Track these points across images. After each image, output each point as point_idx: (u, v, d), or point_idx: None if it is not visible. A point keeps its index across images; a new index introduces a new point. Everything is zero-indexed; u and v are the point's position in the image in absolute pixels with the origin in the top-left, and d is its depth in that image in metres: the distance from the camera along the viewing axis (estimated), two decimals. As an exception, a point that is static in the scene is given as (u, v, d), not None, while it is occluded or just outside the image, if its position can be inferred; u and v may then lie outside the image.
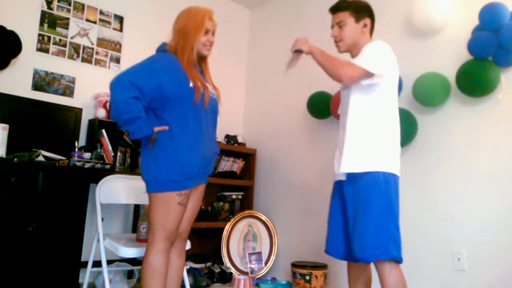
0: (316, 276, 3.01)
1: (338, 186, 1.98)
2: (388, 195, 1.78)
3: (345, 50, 2.01)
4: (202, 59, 2.03)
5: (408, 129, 2.70)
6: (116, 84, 1.76)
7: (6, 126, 2.53)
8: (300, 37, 1.99)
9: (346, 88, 2.01)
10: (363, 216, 1.76)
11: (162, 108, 1.85)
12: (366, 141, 1.85)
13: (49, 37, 3.06)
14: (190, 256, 3.40)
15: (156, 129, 1.81)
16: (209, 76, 2.06)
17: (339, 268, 3.05)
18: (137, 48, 3.49)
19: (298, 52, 1.97)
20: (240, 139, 4.00)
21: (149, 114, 1.84)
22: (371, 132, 1.86)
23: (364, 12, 1.98)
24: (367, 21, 1.98)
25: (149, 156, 1.86)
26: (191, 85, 1.85)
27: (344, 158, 1.87)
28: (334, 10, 2.01)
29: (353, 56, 2.00)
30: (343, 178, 1.92)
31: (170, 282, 1.95)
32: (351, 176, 1.88)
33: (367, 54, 1.84)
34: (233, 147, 3.82)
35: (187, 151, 1.82)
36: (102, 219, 2.28)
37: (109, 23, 3.39)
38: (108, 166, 2.80)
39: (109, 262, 2.66)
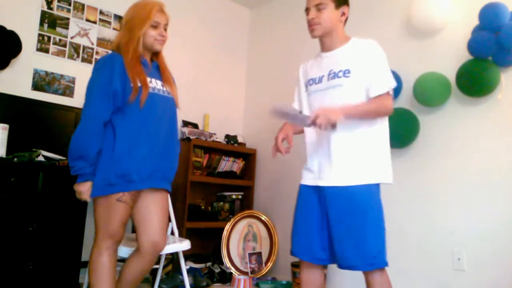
0: (316, 276, 3.00)
1: (316, 191, 1.87)
2: (381, 204, 1.77)
3: (319, 35, 1.85)
4: (156, 54, 1.97)
5: (411, 129, 2.70)
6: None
7: (6, 126, 2.52)
8: (321, 111, 1.68)
9: (316, 82, 1.88)
10: (361, 224, 1.71)
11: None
12: (366, 151, 1.76)
13: (49, 37, 3.06)
14: (190, 256, 3.40)
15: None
16: (167, 72, 1.97)
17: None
18: (137, 48, 3.48)
19: (333, 127, 1.67)
20: (240, 139, 4.00)
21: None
22: (370, 140, 1.77)
23: (345, 1, 1.85)
24: (346, 10, 1.85)
25: None
26: (131, 84, 1.79)
27: (342, 170, 1.76)
28: None
29: (323, 42, 1.88)
30: (326, 184, 1.80)
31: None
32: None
33: (385, 73, 1.76)
34: (233, 147, 3.82)
35: (121, 151, 1.78)
36: (102, 219, 2.27)
37: (109, 23, 3.39)
38: (108, 166, 2.79)
39: (109, 262, 2.65)
